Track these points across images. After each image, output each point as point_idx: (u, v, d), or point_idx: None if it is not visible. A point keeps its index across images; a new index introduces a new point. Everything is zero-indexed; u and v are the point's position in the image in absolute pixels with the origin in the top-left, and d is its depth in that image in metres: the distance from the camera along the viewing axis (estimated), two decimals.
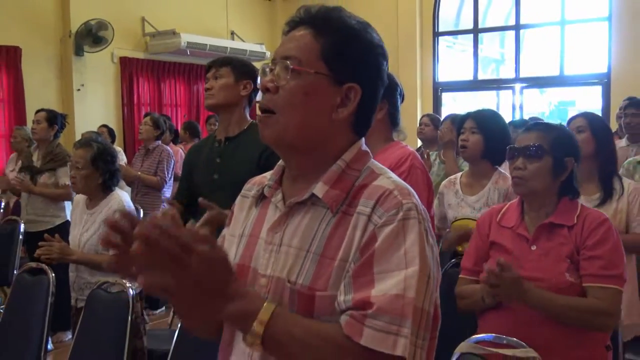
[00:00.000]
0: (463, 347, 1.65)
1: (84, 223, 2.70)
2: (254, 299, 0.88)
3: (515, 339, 1.64)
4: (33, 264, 2.66)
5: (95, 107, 6.72)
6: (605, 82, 7.05)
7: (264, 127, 1.01)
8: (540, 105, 8.91)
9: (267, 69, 1.02)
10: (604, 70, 7.05)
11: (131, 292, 2.25)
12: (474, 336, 1.69)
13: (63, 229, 3.47)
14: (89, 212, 2.71)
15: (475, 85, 8.07)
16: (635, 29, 6.63)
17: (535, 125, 1.92)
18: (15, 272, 3.50)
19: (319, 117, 0.99)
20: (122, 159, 5.45)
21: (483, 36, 8.25)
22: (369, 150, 1.06)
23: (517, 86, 7.69)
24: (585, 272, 1.72)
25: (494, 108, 3.29)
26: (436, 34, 8.00)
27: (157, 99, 7.39)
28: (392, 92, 2.09)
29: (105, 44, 6.52)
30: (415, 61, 7.90)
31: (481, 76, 8.16)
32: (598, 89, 7.21)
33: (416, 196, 0.98)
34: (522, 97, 7.71)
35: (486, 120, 2.62)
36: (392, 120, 2.19)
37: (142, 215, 4.13)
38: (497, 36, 9.01)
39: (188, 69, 7.64)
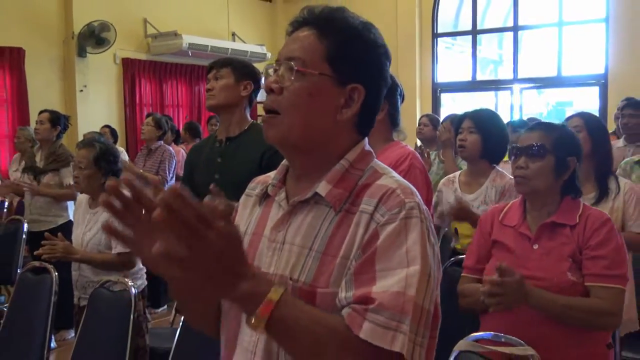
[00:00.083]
0: (462, 345, 1.66)
1: (87, 222, 2.71)
2: (263, 281, 0.86)
3: (513, 337, 1.64)
4: (36, 263, 2.67)
5: (97, 108, 6.74)
6: (602, 82, 7.07)
7: (268, 128, 1.00)
8: (538, 106, 8.92)
9: (272, 70, 1.02)
10: (601, 71, 7.07)
11: (133, 290, 2.26)
12: (472, 334, 1.70)
13: (66, 229, 3.48)
14: (91, 212, 2.73)
15: (474, 85, 8.09)
16: (632, 31, 6.64)
17: (538, 124, 1.91)
18: (18, 271, 3.51)
19: (323, 118, 0.99)
20: (125, 159, 5.46)
21: (481, 37, 8.28)
22: (372, 150, 1.06)
23: (515, 87, 7.71)
24: (588, 272, 1.72)
25: (492, 108, 3.32)
26: (435, 35, 8.02)
27: (159, 99, 7.40)
28: (392, 93, 2.11)
29: (107, 45, 6.54)
30: (415, 62, 7.91)
31: (479, 77, 8.18)
32: (595, 90, 7.23)
33: (418, 195, 0.98)
34: (521, 97, 7.74)
35: (484, 120, 2.64)
36: (392, 121, 2.20)
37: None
38: (496, 37, 9.04)
39: (189, 69, 7.66)
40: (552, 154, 1.80)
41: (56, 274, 2.52)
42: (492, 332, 1.69)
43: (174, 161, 4.96)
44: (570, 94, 8.78)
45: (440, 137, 3.91)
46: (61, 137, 4.33)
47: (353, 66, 1.00)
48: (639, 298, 2.46)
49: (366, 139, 1.06)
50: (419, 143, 4.71)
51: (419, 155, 2.25)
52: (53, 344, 3.73)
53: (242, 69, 2.39)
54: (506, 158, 3.51)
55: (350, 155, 1.02)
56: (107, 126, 6.24)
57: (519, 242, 1.82)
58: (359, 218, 0.95)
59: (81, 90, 6.58)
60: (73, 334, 3.46)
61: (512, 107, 7.70)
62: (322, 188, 0.99)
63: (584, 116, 2.59)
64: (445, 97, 8.27)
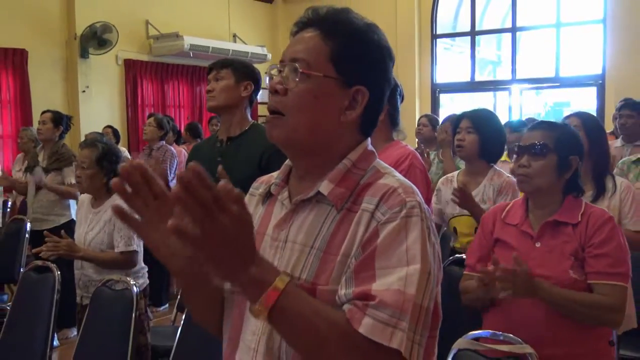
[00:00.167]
0: (460, 343, 1.67)
1: (89, 222, 2.73)
2: (270, 269, 0.87)
3: (511, 335, 1.65)
4: (39, 262, 2.68)
5: (100, 109, 6.76)
6: (599, 83, 7.10)
7: (272, 128, 1.00)
8: (536, 106, 8.96)
9: (276, 71, 1.02)
10: (599, 71, 7.10)
11: (135, 289, 2.28)
12: (471, 332, 1.71)
13: (68, 228, 3.49)
14: (94, 211, 2.74)
15: (473, 86, 8.11)
16: (629, 32, 6.66)
17: (540, 123, 1.92)
18: (21, 270, 3.53)
19: (327, 120, 0.99)
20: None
21: (480, 38, 8.31)
22: (374, 150, 1.06)
23: (514, 87, 7.74)
24: (591, 270, 1.72)
25: (490, 109, 3.35)
26: (434, 36, 8.04)
27: (160, 100, 7.42)
28: (392, 93, 2.11)
29: (109, 47, 6.56)
30: (414, 63, 7.93)
31: (478, 78, 8.22)
32: (593, 90, 7.25)
33: (420, 195, 0.97)
34: (520, 98, 7.76)
35: (482, 120, 2.65)
36: (392, 121, 2.22)
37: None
38: (494, 38, 9.08)
39: (191, 70, 7.67)
40: (555, 153, 1.81)
41: (59, 272, 2.53)
42: (490, 331, 1.71)
43: (176, 161, 4.98)
44: (568, 94, 8.82)
45: (438, 137, 3.94)
46: (64, 137, 4.35)
47: (357, 68, 1.00)
48: (637, 296, 2.48)
49: (369, 139, 1.07)
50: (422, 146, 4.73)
51: (419, 155, 2.27)
52: (56, 342, 3.75)
53: (242, 70, 2.40)
54: (504, 157, 3.55)
55: (352, 155, 1.02)
56: (110, 126, 6.24)
57: (521, 241, 1.83)
58: (360, 217, 0.95)
59: (83, 91, 6.60)
60: (75, 332, 3.47)
61: (510, 107, 7.72)
62: (325, 187, 0.99)
63: (581, 116, 2.61)
64: (444, 98, 8.30)
